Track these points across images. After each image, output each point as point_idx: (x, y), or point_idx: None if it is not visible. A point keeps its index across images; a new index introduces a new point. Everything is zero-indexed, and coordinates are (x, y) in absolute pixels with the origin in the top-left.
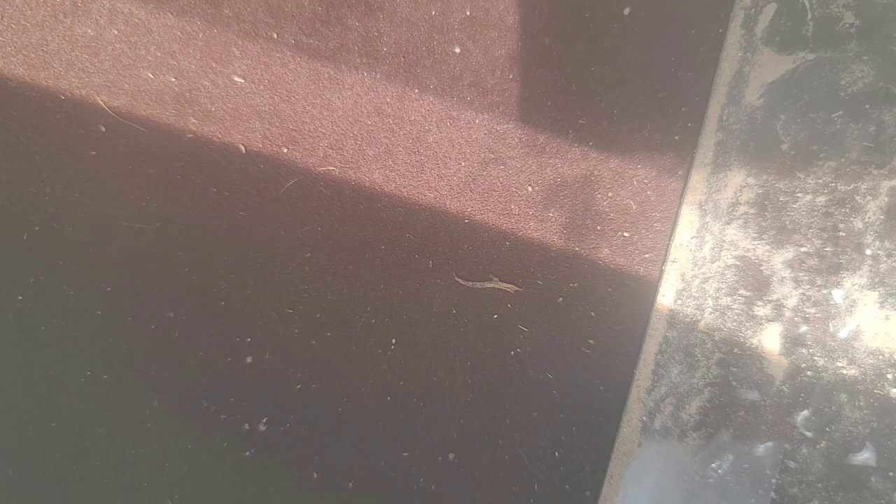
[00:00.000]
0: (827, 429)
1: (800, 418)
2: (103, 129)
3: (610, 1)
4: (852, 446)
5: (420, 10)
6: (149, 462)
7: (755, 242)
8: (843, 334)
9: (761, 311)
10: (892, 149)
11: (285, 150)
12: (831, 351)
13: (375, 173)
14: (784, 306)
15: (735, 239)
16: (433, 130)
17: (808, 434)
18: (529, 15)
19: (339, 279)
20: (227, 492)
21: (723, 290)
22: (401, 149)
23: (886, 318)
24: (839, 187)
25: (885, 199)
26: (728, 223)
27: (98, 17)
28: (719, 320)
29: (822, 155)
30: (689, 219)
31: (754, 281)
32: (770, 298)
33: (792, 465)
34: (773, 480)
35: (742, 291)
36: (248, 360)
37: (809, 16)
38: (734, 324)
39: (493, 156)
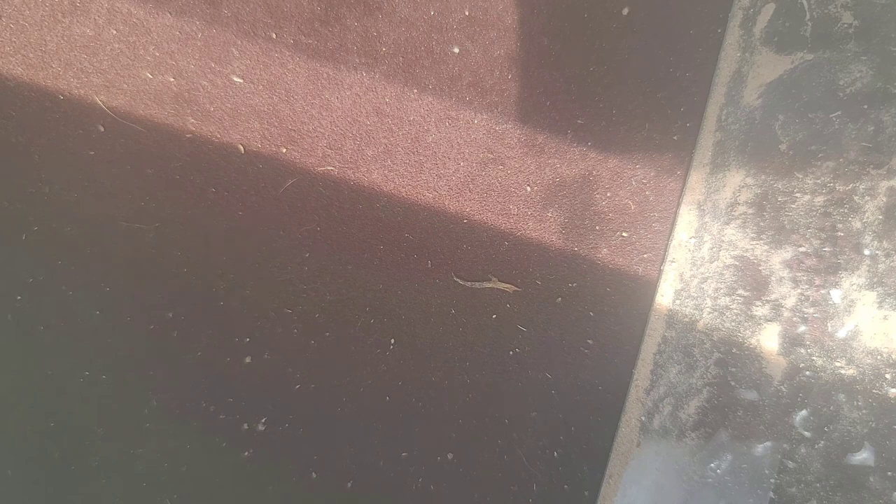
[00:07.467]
0: (825, 429)
1: (798, 418)
2: (102, 129)
3: (608, 1)
4: (850, 446)
5: (419, 10)
6: (147, 462)
7: (754, 242)
8: (841, 334)
9: (760, 311)
10: (890, 149)
11: (284, 150)
12: (830, 351)
13: (374, 173)
14: (782, 306)
15: (733, 239)
16: (432, 130)
17: (807, 434)
18: (528, 15)
19: (337, 279)
20: (225, 492)
21: (721, 290)
22: (399, 149)
23: (885, 318)
24: (837, 187)
25: (884, 199)
26: (727, 223)
27: (97, 17)
28: (718, 320)
29: (820, 155)
30: (687, 219)
31: (753, 281)
32: (768, 298)
33: (790, 464)
34: (772, 480)
35: (740, 291)
36: (247, 360)
37: (808, 16)
38: (733, 324)
39: (491, 156)
